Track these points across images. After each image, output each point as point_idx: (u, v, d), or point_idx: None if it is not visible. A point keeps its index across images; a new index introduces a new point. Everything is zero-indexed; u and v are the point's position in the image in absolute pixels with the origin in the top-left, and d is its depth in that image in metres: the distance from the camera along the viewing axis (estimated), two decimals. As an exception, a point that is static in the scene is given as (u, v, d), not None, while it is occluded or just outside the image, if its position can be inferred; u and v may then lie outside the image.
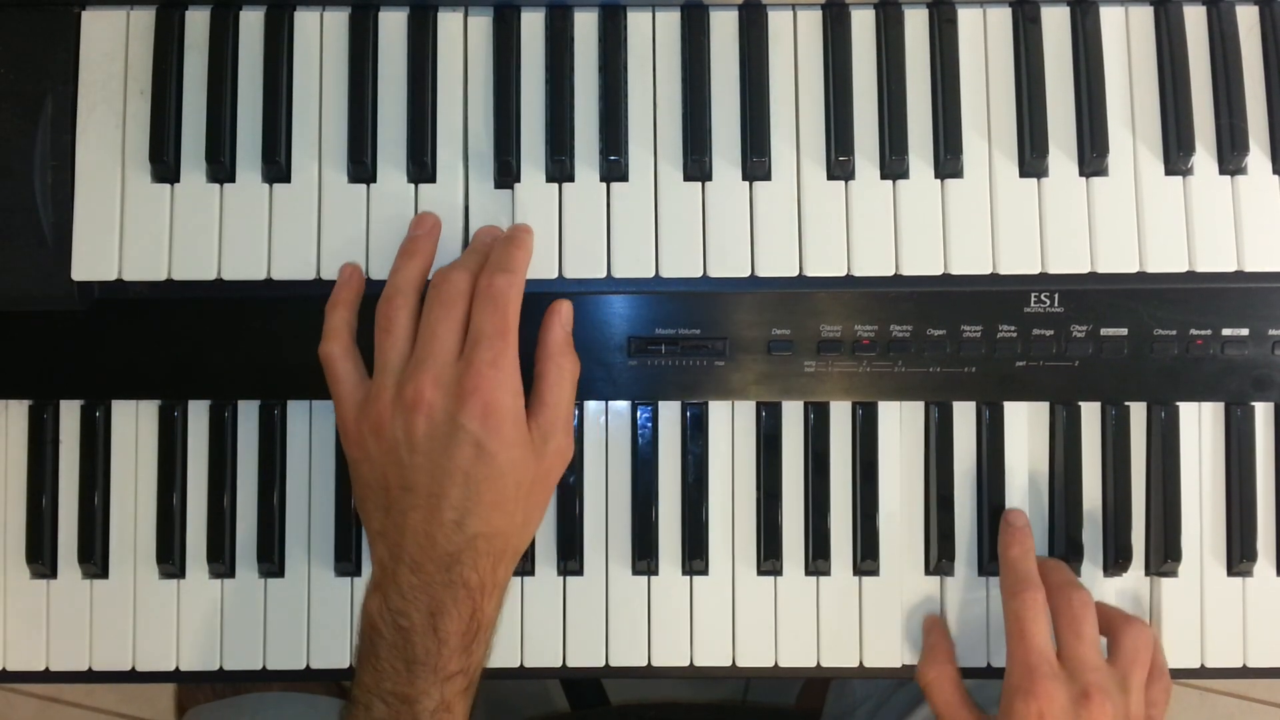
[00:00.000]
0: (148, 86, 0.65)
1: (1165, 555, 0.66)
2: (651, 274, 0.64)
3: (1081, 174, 0.65)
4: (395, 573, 0.56)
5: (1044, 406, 0.67)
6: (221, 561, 0.65)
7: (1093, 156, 0.64)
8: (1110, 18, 0.66)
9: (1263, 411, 0.67)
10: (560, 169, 0.64)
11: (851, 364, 0.65)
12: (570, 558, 0.66)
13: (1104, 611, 0.63)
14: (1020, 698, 0.57)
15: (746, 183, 0.65)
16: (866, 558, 0.66)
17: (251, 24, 0.65)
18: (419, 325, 0.59)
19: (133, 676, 0.66)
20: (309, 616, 0.66)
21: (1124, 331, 0.65)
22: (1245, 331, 0.65)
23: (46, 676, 0.66)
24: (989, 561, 0.66)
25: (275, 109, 0.64)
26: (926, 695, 0.64)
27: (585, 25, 0.66)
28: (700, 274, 0.64)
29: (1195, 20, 0.66)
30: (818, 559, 0.66)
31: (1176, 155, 0.64)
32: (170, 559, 0.65)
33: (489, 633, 0.58)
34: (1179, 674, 0.67)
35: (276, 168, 0.64)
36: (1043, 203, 0.65)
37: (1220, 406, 0.67)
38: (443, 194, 0.65)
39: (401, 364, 0.58)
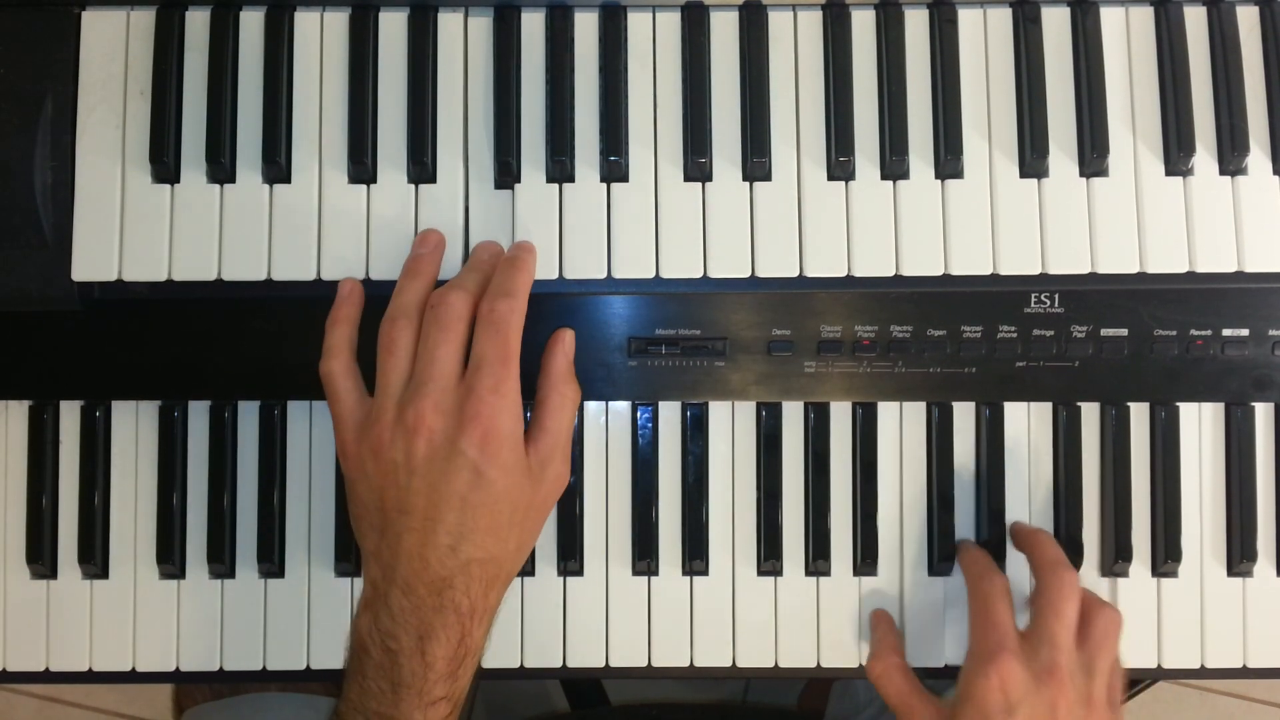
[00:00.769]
0: (148, 86, 0.65)
1: (1165, 555, 0.66)
2: (652, 274, 0.64)
3: (1082, 174, 0.65)
4: (387, 594, 0.56)
5: (1044, 407, 0.67)
6: (221, 562, 0.65)
7: (1093, 157, 0.64)
8: (1110, 18, 0.66)
9: (1263, 411, 0.67)
10: (560, 169, 0.64)
11: (851, 364, 0.65)
12: (570, 558, 0.66)
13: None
14: (980, 672, 0.57)
15: (747, 183, 0.65)
16: (866, 558, 0.66)
17: (251, 24, 0.65)
18: (419, 347, 0.58)
19: (133, 677, 0.66)
20: (309, 616, 0.66)
21: (1124, 332, 0.65)
22: (1245, 332, 0.65)
23: (46, 676, 0.66)
24: (989, 562, 0.66)
25: (275, 109, 0.64)
26: (878, 689, 0.64)
27: (585, 25, 0.66)
28: (700, 274, 0.64)
29: (1195, 20, 0.66)
30: (818, 559, 0.66)
31: (1177, 155, 0.64)
32: (170, 559, 0.65)
33: (475, 658, 0.58)
34: (1179, 674, 0.67)
35: (277, 168, 0.64)
36: (1043, 203, 0.65)
37: (1220, 407, 0.67)
38: (443, 194, 0.65)
39: (402, 386, 0.58)
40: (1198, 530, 0.67)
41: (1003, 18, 0.66)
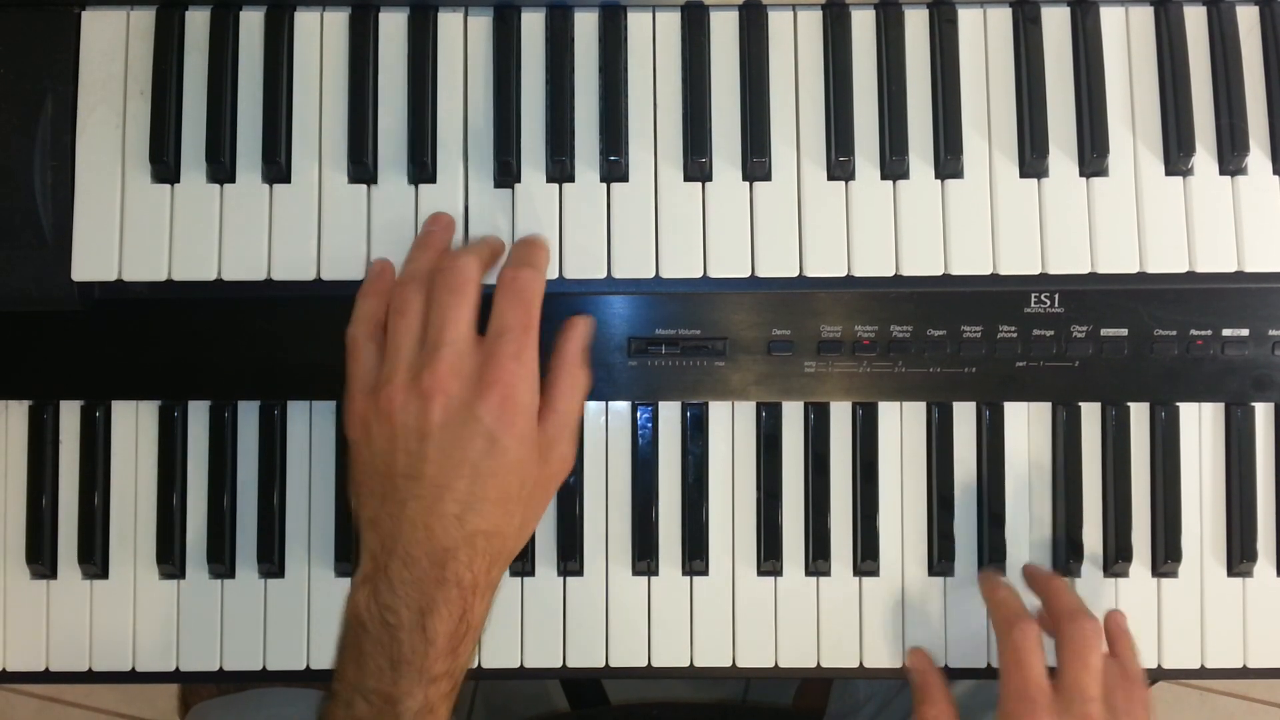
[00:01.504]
0: (148, 86, 0.65)
1: (1165, 555, 0.66)
2: (651, 274, 0.64)
3: (1082, 174, 0.65)
4: (387, 565, 0.54)
5: (1044, 407, 0.67)
6: (221, 562, 0.65)
7: (1093, 157, 0.64)
8: (1110, 18, 0.66)
9: (1263, 412, 0.67)
10: (560, 169, 0.64)
11: (852, 364, 0.65)
12: (570, 558, 0.66)
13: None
14: None
15: (746, 183, 0.65)
16: (866, 558, 0.66)
17: (251, 24, 0.65)
18: (430, 310, 0.57)
19: (133, 677, 0.66)
20: (309, 616, 0.66)
21: (1124, 332, 0.65)
22: (1245, 332, 0.65)
23: (46, 676, 0.66)
24: (990, 562, 0.66)
25: (275, 109, 0.64)
26: None
27: (585, 25, 0.66)
28: (700, 274, 0.64)
29: (1195, 20, 0.66)
30: (818, 559, 0.66)
31: (1177, 155, 0.64)
32: (170, 559, 0.65)
33: (476, 635, 0.57)
34: (1179, 674, 0.67)
35: (276, 168, 0.64)
36: (1043, 203, 0.65)
37: (1220, 407, 0.67)
38: (443, 194, 0.65)
39: (414, 349, 0.57)
40: (1198, 530, 0.66)
41: (1003, 18, 0.66)
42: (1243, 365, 0.65)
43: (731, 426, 0.67)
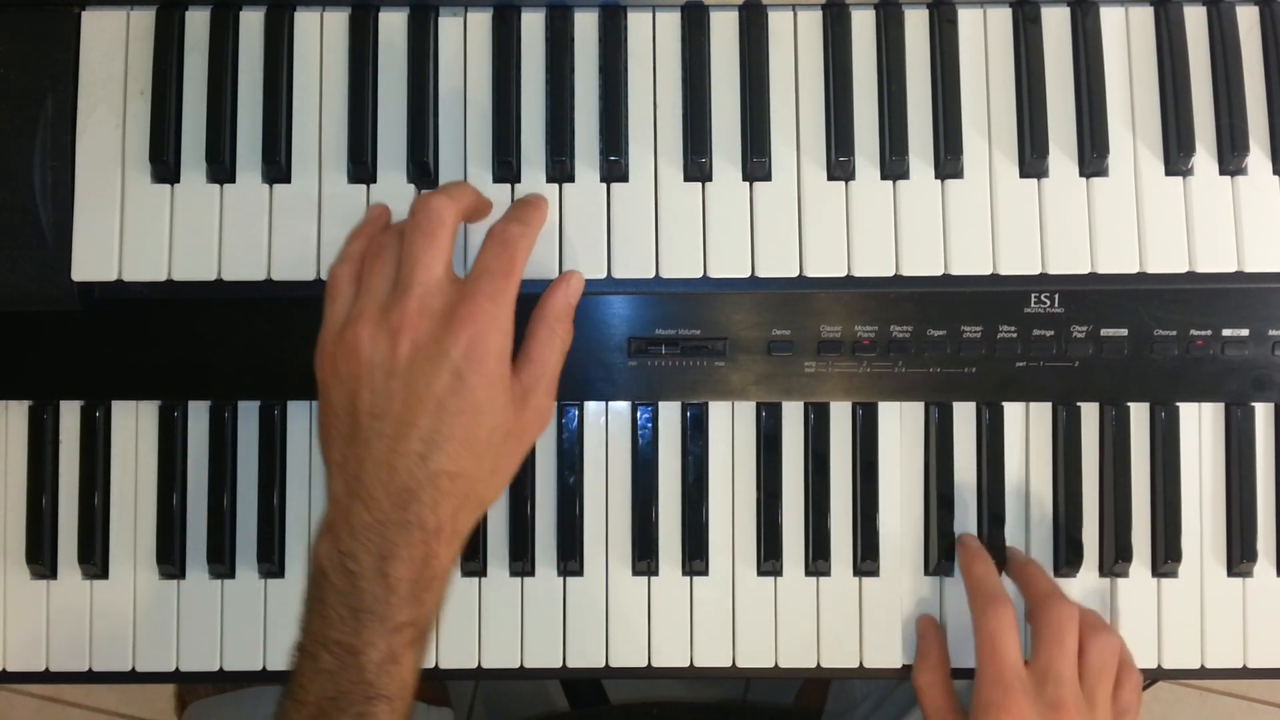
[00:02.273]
0: (148, 86, 0.65)
1: (1165, 555, 0.66)
2: (651, 274, 0.64)
3: (1082, 174, 0.65)
4: (349, 509, 0.53)
5: (1044, 407, 0.67)
6: (221, 562, 0.65)
7: (1093, 157, 0.64)
8: (1110, 18, 0.66)
9: (1263, 412, 0.67)
10: (560, 169, 0.64)
11: (852, 364, 0.65)
12: (570, 558, 0.66)
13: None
14: (992, 714, 0.58)
15: (746, 183, 0.65)
16: (866, 558, 0.66)
17: (251, 24, 0.65)
18: (402, 251, 0.57)
19: (133, 677, 0.66)
20: (309, 617, 0.66)
21: (1124, 332, 0.65)
22: (1245, 332, 0.65)
23: (46, 676, 0.66)
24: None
25: (275, 109, 0.64)
26: (919, 698, 0.64)
27: (585, 25, 0.66)
28: (700, 274, 0.64)
29: (1195, 20, 0.66)
30: (818, 559, 0.66)
31: (1177, 155, 0.64)
32: (170, 559, 0.65)
33: (443, 584, 0.56)
34: (1179, 674, 0.67)
35: (276, 168, 0.64)
36: (1043, 203, 0.65)
37: (1220, 407, 0.67)
38: (443, 194, 0.64)
39: (386, 286, 0.56)
40: (1198, 530, 0.66)
41: (1003, 18, 0.66)
42: (1243, 365, 0.65)
43: (731, 426, 0.67)
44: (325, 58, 0.66)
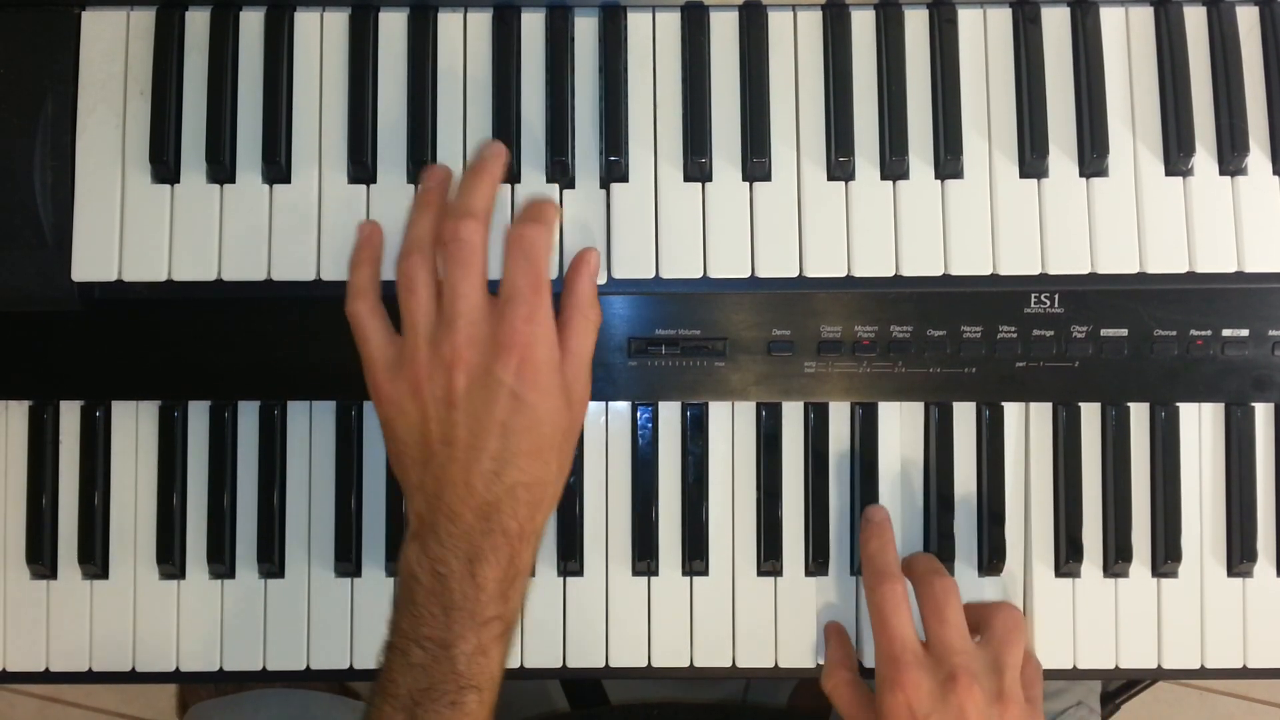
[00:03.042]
0: (148, 87, 0.65)
1: (1165, 555, 0.66)
2: (651, 274, 0.64)
3: (1081, 174, 0.65)
4: (433, 523, 0.56)
5: (1044, 407, 0.67)
6: (221, 562, 0.65)
7: (1093, 157, 0.64)
8: (1110, 18, 0.66)
9: (1263, 412, 0.67)
10: (560, 169, 0.64)
11: (851, 364, 0.65)
12: (570, 558, 0.66)
13: (972, 604, 0.64)
14: (888, 690, 0.59)
15: (746, 183, 0.65)
16: (866, 558, 0.66)
17: (251, 24, 0.65)
18: (442, 284, 0.59)
19: (133, 677, 0.66)
20: (309, 617, 0.66)
21: (1124, 332, 0.65)
22: (1245, 332, 0.65)
23: (46, 677, 0.66)
24: (989, 562, 0.66)
25: (275, 109, 0.64)
26: (832, 702, 0.64)
27: (585, 25, 0.66)
28: (700, 274, 0.64)
29: (1195, 20, 0.66)
30: (818, 559, 0.66)
31: (1176, 155, 0.64)
32: (170, 559, 0.65)
33: (525, 580, 0.59)
34: (1179, 674, 0.67)
35: (276, 168, 0.64)
36: (1043, 203, 0.65)
37: (1220, 407, 0.67)
38: (443, 194, 0.64)
39: (430, 322, 0.58)
40: (1198, 530, 0.66)
41: (1003, 18, 0.66)
42: (1243, 365, 0.65)
43: (731, 426, 0.67)
44: (325, 58, 0.66)
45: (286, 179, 0.65)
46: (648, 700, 0.98)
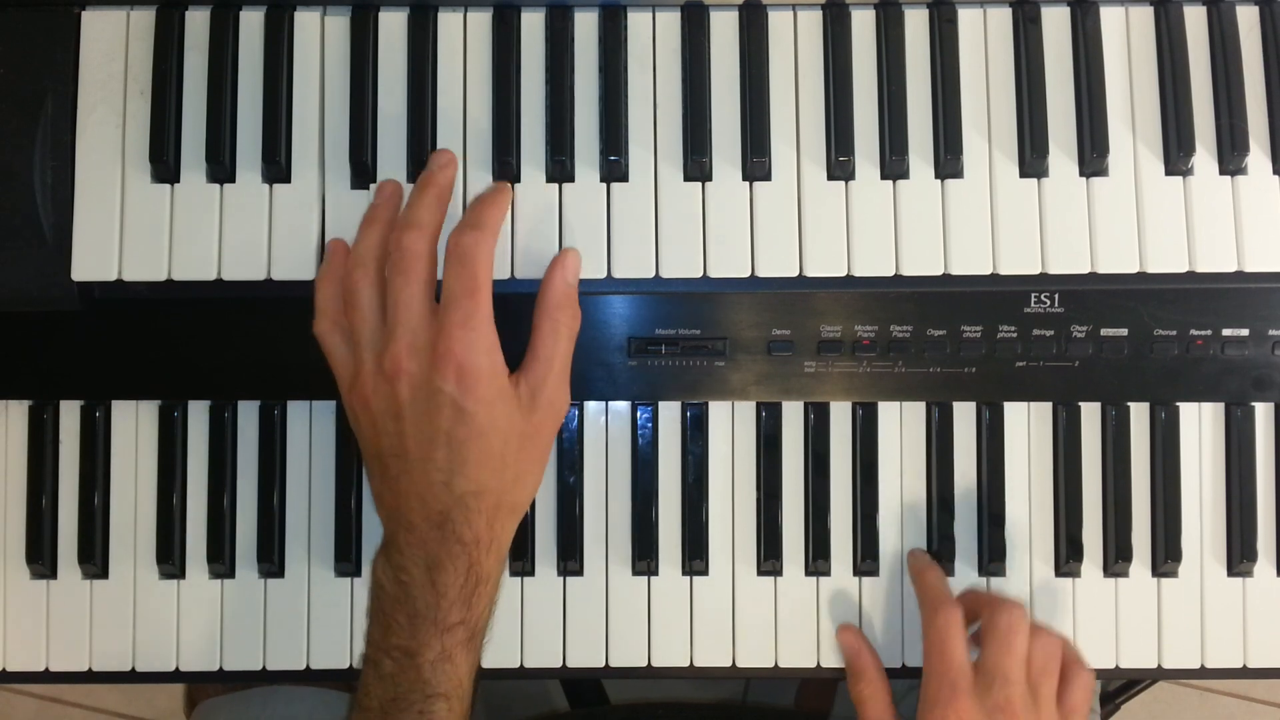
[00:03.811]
0: (148, 86, 0.65)
1: (1165, 555, 0.66)
2: (651, 274, 0.64)
3: (1081, 174, 0.65)
4: (394, 533, 0.58)
5: (1044, 406, 0.67)
6: (221, 561, 0.65)
7: (1093, 156, 0.64)
8: (1110, 18, 0.66)
9: (1263, 411, 0.67)
10: (560, 169, 0.64)
11: (851, 364, 0.65)
12: (570, 558, 0.66)
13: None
14: (939, 708, 0.59)
15: (746, 183, 0.65)
16: (866, 558, 0.66)
17: (251, 24, 0.65)
18: (386, 296, 0.59)
19: (133, 677, 0.66)
20: (309, 616, 0.66)
21: (1124, 332, 0.65)
22: (1245, 331, 0.65)
23: (46, 676, 0.66)
24: (990, 562, 0.66)
25: (275, 109, 0.64)
26: (858, 708, 0.64)
27: (585, 25, 0.66)
28: (700, 274, 0.64)
29: (1195, 20, 0.66)
30: (818, 559, 0.66)
31: (1177, 155, 0.64)
32: (170, 559, 0.65)
33: (492, 587, 0.59)
34: (1179, 674, 0.67)
35: (276, 168, 0.64)
36: (1043, 203, 0.65)
37: (1220, 407, 0.67)
38: (443, 194, 0.64)
39: (374, 336, 0.59)
40: (1198, 530, 0.66)
41: (1003, 18, 0.66)
42: (1243, 365, 0.65)
43: (731, 426, 0.67)
44: (325, 58, 0.66)
45: (286, 179, 0.65)
46: (648, 700, 0.99)
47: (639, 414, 0.66)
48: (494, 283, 0.59)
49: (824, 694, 0.98)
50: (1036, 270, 0.64)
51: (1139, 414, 0.67)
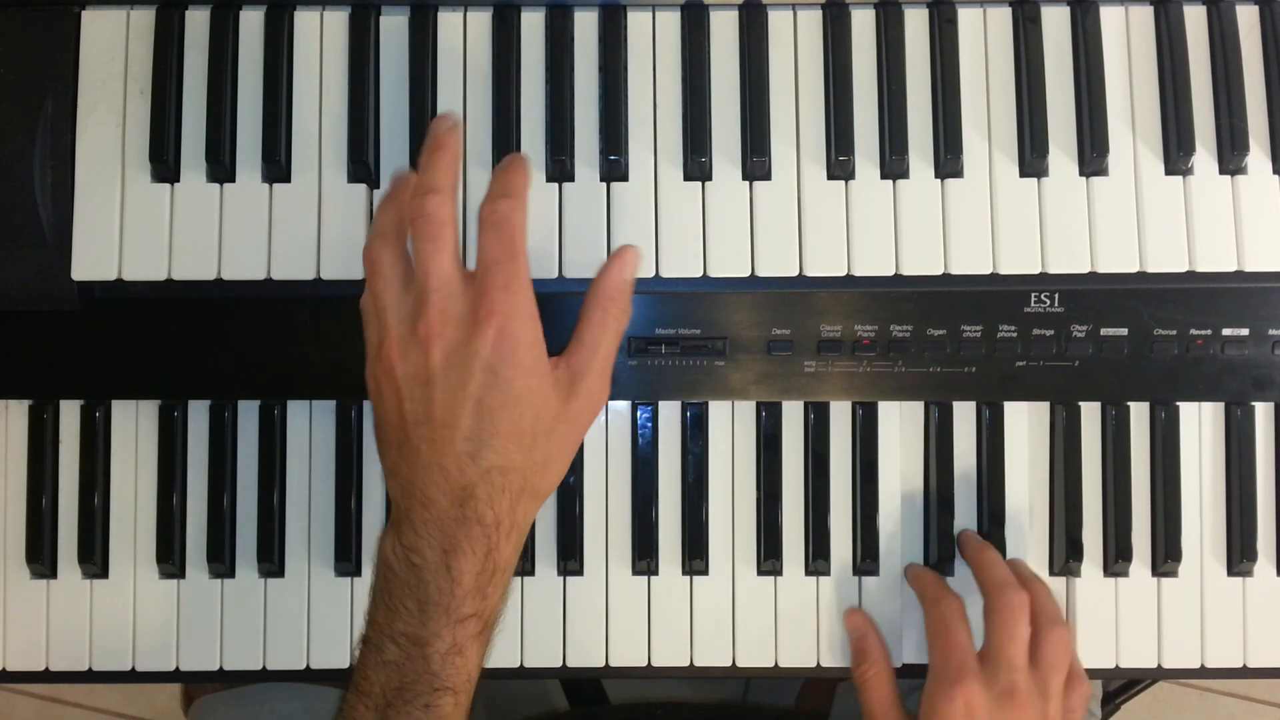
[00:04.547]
0: (148, 86, 0.65)
1: (1165, 555, 0.66)
2: (651, 274, 0.64)
3: (1081, 174, 0.65)
4: (409, 510, 0.55)
5: (1044, 406, 0.67)
6: (221, 561, 0.65)
7: (1093, 156, 0.64)
8: (1110, 18, 0.66)
9: (1263, 411, 0.67)
10: (560, 169, 0.64)
11: (851, 364, 0.65)
12: (570, 558, 0.66)
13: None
14: (948, 687, 0.59)
15: (746, 183, 0.65)
16: (866, 558, 0.66)
17: (251, 24, 0.65)
18: (414, 263, 0.57)
19: (133, 676, 0.66)
20: (309, 616, 0.66)
21: (1124, 331, 0.65)
22: (1245, 331, 0.65)
23: (46, 676, 0.66)
24: (989, 561, 0.66)
25: (275, 109, 0.64)
26: (861, 693, 0.64)
27: (585, 25, 0.66)
28: (700, 274, 0.64)
29: (1195, 20, 0.66)
30: (818, 559, 0.66)
31: (1177, 155, 0.64)
32: (170, 559, 0.65)
33: (506, 576, 0.56)
34: (1179, 674, 0.67)
35: (276, 168, 0.64)
36: (1043, 202, 0.65)
37: (1220, 406, 0.67)
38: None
39: (399, 301, 0.56)
40: (1198, 530, 0.66)
41: (1003, 17, 0.66)
42: (1243, 365, 0.65)
43: (731, 426, 0.67)
44: (325, 58, 0.66)
45: (286, 178, 0.65)
46: (648, 700, 0.99)
47: (639, 413, 0.66)
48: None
49: (825, 694, 0.97)
50: (1036, 270, 0.64)
51: (1139, 414, 0.67)
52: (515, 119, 0.65)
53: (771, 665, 0.66)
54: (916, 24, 0.66)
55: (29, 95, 0.64)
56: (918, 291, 0.65)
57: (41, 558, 0.65)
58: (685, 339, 0.65)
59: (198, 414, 0.66)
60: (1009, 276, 0.64)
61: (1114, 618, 0.66)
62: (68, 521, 0.66)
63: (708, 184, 0.65)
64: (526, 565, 0.66)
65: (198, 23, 0.65)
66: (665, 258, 0.64)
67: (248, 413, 0.66)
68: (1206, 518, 0.67)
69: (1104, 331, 0.65)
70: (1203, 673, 0.66)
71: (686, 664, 0.66)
